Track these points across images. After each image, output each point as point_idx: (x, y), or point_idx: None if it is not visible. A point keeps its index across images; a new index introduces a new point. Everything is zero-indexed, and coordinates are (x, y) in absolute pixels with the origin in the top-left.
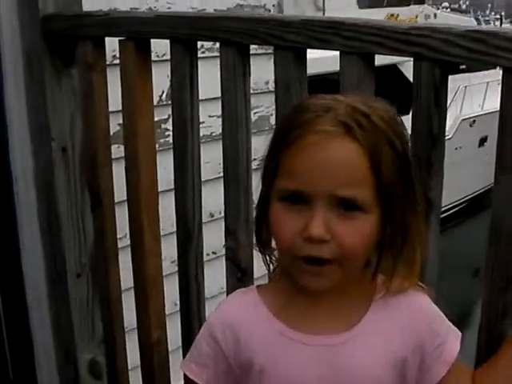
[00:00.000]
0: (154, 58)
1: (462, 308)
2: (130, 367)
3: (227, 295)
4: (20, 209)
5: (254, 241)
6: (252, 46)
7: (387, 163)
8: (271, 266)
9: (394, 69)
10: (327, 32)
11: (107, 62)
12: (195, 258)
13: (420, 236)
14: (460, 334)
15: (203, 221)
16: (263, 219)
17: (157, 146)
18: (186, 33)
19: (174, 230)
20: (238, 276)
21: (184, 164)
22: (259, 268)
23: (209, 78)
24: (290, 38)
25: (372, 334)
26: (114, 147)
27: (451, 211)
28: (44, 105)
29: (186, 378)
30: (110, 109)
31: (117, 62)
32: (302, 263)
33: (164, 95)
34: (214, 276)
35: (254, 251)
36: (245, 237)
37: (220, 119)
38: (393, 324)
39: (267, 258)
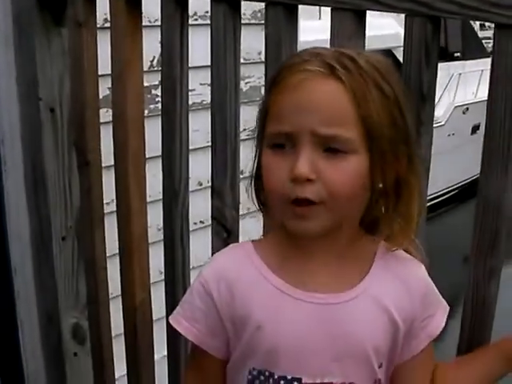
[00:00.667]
0: (145, 23)
1: (452, 294)
2: (113, 334)
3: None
4: (6, 169)
5: (255, 200)
6: (245, 16)
7: (375, 106)
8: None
9: (389, 54)
10: None
11: (99, 25)
12: (181, 219)
13: (415, 190)
14: (448, 308)
15: (191, 189)
16: (259, 176)
17: (147, 111)
18: None
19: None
20: (224, 237)
21: (172, 126)
22: (244, 232)
23: (202, 46)
24: None
25: (371, 294)
26: (103, 111)
27: (444, 197)
28: (33, 64)
29: (172, 330)
30: (101, 72)
31: (109, 25)
32: (289, 206)
33: (155, 61)
34: (202, 245)
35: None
36: (230, 198)
37: None
38: (391, 288)
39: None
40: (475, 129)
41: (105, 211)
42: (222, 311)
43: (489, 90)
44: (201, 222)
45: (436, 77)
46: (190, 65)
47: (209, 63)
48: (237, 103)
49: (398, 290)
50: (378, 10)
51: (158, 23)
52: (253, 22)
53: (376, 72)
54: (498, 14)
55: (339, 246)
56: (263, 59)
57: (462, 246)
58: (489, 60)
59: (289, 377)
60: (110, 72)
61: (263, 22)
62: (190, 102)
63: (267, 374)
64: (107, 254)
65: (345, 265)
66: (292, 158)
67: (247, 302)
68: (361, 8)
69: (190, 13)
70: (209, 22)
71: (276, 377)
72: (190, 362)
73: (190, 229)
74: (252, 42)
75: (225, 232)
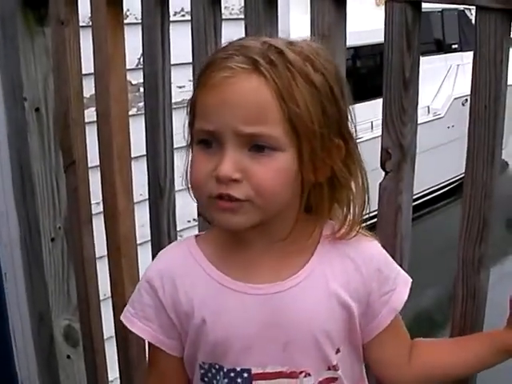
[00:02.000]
0: (132, 20)
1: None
2: (106, 336)
3: None
4: None
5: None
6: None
7: (303, 100)
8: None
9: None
10: None
11: (84, 23)
12: (167, 216)
13: (356, 180)
14: (410, 280)
15: (185, 187)
16: None
17: (135, 109)
18: None
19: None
20: None
21: (155, 123)
22: None
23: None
24: None
25: (315, 279)
26: (91, 110)
27: (445, 189)
28: (17, 64)
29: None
30: (87, 71)
31: None
32: (214, 200)
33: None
34: None
35: None
36: None
37: None
38: (339, 270)
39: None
40: None
41: (95, 211)
42: (168, 308)
43: (472, 74)
44: (194, 219)
45: (418, 62)
46: (178, 61)
47: None
48: None
49: (347, 270)
50: None
51: None
52: (241, 17)
53: (307, 63)
54: None
55: (277, 234)
56: None
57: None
58: None
59: (238, 368)
60: None
61: (242, 16)
62: (180, 99)
63: (217, 366)
64: (99, 255)
65: (286, 253)
66: (217, 157)
67: (190, 296)
68: None
69: (177, 9)
70: None
71: (225, 370)
72: (149, 364)
73: (184, 227)
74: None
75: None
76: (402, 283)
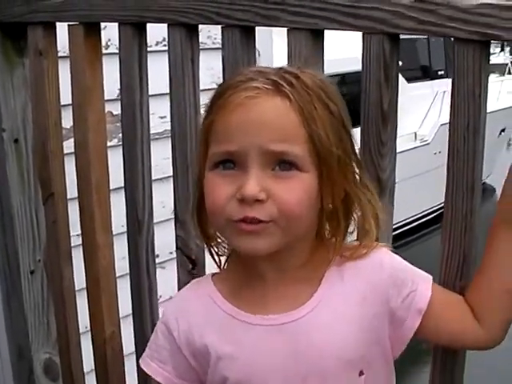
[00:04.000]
0: (114, 50)
1: None
2: (86, 369)
3: (178, 288)
4: None
5: (198, 232)
6: (217, 40)
7: (322, 123)
8: (219, 256)
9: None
10: (273, 8)
11: (65, 54)
12: (146, 250)
13: (365, 207)
14: (430, 277)
15: (165, 218)
16: (202, 206)
17: (116, 140)
18: (134, 15)
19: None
20: (189, 268)
21: (133, 155)
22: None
23: None
24: (236, 17)
25: (328, 304)
26: (70, 141)
27: (431, 215)
28: None
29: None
30: (67, 102)
31: None
32: (237, 224)
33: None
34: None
35: None
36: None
37: None
38: (350, 288)
39: (214, 248)
40: None
41: (75, 243)
42: (184, 348)
43: (451, 104)
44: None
45: (397, 95)
46: (160, 91)
47: None
48: (197, 131)
49: (359, 287)
50: (335, 29)
51: None
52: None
53: (320, 89)
54: (456, 28)
55: (291, 266)
56: None
57: None
58: None
59: None
60: None
61: None
62: (162, 130)
63: None
64: (80, 287)
65: (297, 282)
66: (239, 178)
67: (204, 333)
68: (317, 27)
69: (159, 38)
70: None
71: None
72: None
73: (167, 258)
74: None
75: (190, 263)
76: (422, 282)
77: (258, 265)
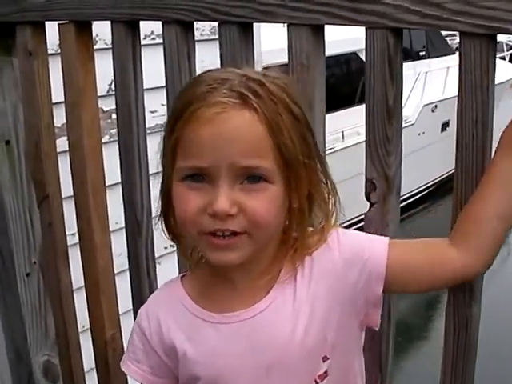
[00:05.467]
0: (102, 45)
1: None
2: (86, 369)
3: None
4: None
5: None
6: (205, 32)
7: (288, 132)
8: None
9: (354, 57)
10: (272, 4)
11: (54, 51)
12: (145, 250)
13: (325, 197)
14: (386, 238)
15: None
16: (169, 209)
17: (108, 137)
18: (127, 12)
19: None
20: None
21: (129, 152)
22: None
23: (161, 65)
24: (234, 13)
25: (286, 298)
26: (63, 139)
27: (417, 196)
28: None
29: None
30: (59, 99)
31: None
32: (209, 238)
33: (113, 84)
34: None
35: None
36: None
37: None
38: (308, 279)
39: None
40: (445, 126)
41: (70, 243)
42: (156, 346)
43: (458, 98)
44: (171, 245)
45: (401, 91)
46: (150, 86)
47: None
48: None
49: (316, 277)
50: (336, 24)
51: None
52: (213, 37)
53: (284, 94)
54: (461, 21)
55: (259, 267)
56: None
57: None
58: (454, 57)
59: None
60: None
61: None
62: (153, 124)
63: None
64: (76, 286)
65: (259, 279)
66: (209, 193)
67: (172, 332)
68: (318, 23)
69: (148, 32)
70: None
71: None
72: None
73: (162, 253)
74: (214, 59)
75: None
76: (376, 246)
77: (227, 272)
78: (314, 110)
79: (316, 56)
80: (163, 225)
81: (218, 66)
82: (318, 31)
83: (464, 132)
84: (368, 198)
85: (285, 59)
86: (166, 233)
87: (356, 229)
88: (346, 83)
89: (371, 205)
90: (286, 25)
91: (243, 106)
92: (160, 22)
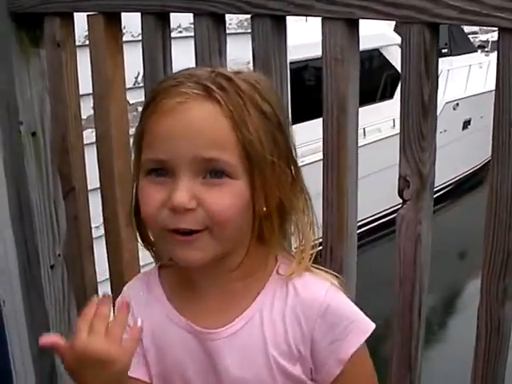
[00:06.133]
0: (129, 38)
1: (450, 291)
2: None
3: None
4: None
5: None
6: (232, 25)
7: (254, 128)
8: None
9: (376, 54)
10: None
11: (81, 42)
12: None
13: (299, 211)
14: (370, 327)
15: None
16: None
17: (133, 130)
18: (157, 4)
19: None
20: None
21: None
22: None
23: (188, 58)
24: (268, 6)
25: (252, 333)
26: (88, 131)
27: (437, 194)
28: (12, 87)
29: None
30: (85, 91)
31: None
32: (170, 235)
33: (140, 77)
34: None
35: None
36: None
37: None
38: (278, 315)
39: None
40: (466, 124)
41: (95, 235)
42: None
43: (495, 98)
44: None
45: (437, 87)
46: None
47: None
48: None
49: (290, 317)
50: (372, 19)
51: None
52: (239, 31)
53: (255, 92)
54: (502, 17)
55: (224, 277)
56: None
57: (456, 243)
58: (476, 55)
59: None
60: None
61: (249, 31)
62: None
63: None
64: (100, 279)
65: (230, 296)
66: (170, 186)
67: (143, 325)
68: (353, 17)
69: (174, 25)
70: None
71: None
72: None
73: None
74: (240, 52)
75: None
76: (356, 331)
77: (191, 273)
78: (348, 104)
79: (350, 50)
80: (134, 228)
81: (245, 60)
82: (353, 25)
83: (501, 129)
84: (401, 194)
85: (295, 56)
86: (138, 236)
87: (378, 225)
88: (368, 80)
89: (404, 202)
90: (318, 19)
91: (206, 97)
92: (189, 15)
